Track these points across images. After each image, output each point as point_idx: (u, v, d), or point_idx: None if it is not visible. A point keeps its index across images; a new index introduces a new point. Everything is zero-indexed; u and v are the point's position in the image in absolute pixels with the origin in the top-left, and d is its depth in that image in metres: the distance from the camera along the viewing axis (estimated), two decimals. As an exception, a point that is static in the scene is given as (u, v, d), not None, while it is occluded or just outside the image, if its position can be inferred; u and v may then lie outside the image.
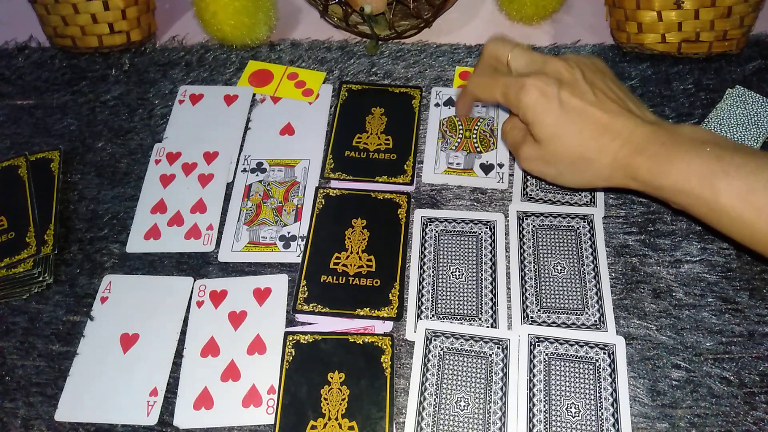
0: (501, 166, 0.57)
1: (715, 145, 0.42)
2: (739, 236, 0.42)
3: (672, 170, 0.42)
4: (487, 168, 0.57)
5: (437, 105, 0.62)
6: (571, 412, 0.44)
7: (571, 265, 0.51)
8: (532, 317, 0.49)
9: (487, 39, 0.51)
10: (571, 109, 0.45)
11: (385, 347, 0.48)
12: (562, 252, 0.52)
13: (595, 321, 0.48)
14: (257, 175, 0.59)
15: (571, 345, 0.47)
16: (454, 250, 0.53)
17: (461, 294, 0.50)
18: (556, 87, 0.45)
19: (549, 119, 0.45)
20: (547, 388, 0.45)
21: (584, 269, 0.51)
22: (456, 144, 0.59)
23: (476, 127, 0.60)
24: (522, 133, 0.49)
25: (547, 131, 0.46)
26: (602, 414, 0.44)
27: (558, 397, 0.45)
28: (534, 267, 0.51)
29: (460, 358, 0.47)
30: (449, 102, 0.62)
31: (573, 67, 0.46)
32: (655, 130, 0.44)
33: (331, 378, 0.47)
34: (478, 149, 0.58)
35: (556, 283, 0.50)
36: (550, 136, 0.46)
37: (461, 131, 0.60)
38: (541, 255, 0.52)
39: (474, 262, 0.52)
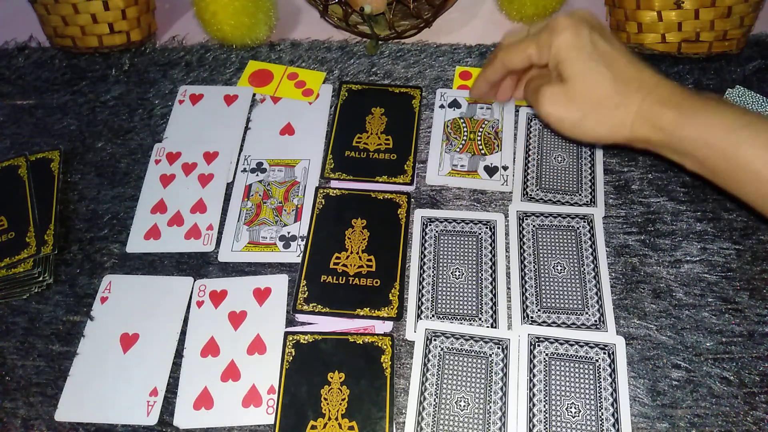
0: (505, 168, 0.57)
1: (738, 106, 0.42)
2: (753, 194, 0.41)
3: (697, 119, 0.42)
4: (491, 170, 0.57)
5: (441, 107, 0.62)
6: (571, 412, 0.44)
7: (571, 265, 0.51)
8: (532, 317, 0.49)
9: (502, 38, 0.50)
10: (602, 51, 0.45)
11: (385, 347, 0.48)
12: (562, 252, 0.52)
13: (595, 321, 0.48)
14: (257, 175, 0.59)
15: (571, 345, 0.47)
16: (454, 250, 0.53)
17: (461, 294, 0.50)
18: (588, 28, 0.45)
19: (581, 55, 0.45)
20: (547, 388, 0.45)
21: (584, 269, 0.51)
22: (460, 146, 0.59)
23: (481, 129, 0.60)
24: (544, 80, 0.48)
25: (578, 67, 0.45)
26: (602, 414, 0.44)
27: (558, 397, 0.45)
28: (534, 267, 0.51)
29: (460, 358, 0.47)
30: (453, 104, 0.62)
31: (599, 21, 0.47)
32: (680, 87, 0.44)
33: (331, 378, 0.47)
34: (483, 151, 0.58)
35: (556, 283, 0.50)
36: (580, 72, 0.45)
37: (465, 133, 0.60)
38: (541, 255, 0.52)
39: (474, 262, 0.52)
